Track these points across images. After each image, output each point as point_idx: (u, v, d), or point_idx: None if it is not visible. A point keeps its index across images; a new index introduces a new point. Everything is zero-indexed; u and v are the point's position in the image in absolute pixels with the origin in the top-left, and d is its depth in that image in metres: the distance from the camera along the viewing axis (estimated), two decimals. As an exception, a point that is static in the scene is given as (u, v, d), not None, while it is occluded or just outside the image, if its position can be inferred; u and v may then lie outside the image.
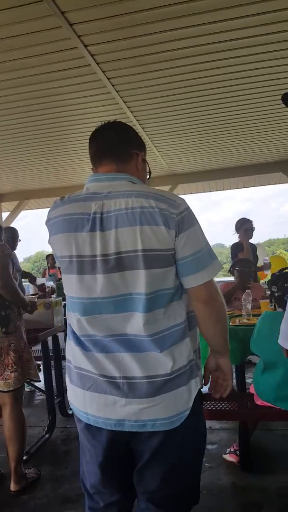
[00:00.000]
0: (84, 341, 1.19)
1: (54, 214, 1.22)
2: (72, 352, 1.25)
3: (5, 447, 2.41)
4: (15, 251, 4.08)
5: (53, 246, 1.24)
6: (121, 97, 3.34)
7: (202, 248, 1.14)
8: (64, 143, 4.55)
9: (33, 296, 3.17)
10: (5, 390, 2.24)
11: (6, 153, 4.79)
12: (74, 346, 1.23)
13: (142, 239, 1.09)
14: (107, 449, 1.20)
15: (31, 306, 2.55)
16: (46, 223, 1.26)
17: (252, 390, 2.27)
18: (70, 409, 3.20)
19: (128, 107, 3.57)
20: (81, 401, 1.20)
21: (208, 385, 1.34)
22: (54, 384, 3.11)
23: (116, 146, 1.25)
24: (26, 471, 2.36)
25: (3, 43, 2.43)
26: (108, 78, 2.98)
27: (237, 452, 2.35)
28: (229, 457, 2.37)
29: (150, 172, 1.35)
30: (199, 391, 1.21)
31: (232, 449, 2.39)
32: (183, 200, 1.15)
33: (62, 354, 3.33)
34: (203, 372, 1.31)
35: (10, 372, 2.25)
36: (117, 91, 3.22)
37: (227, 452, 2.41)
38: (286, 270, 2.31)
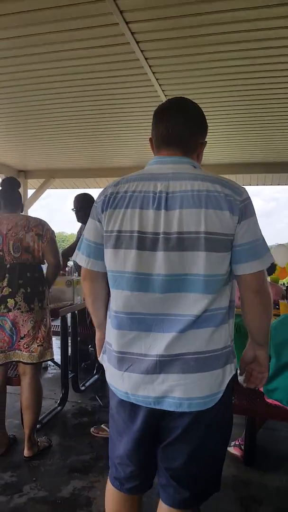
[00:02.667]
0: (127, 318, 1.21)
1: (118, 189, 1.23)
2: (111, 335, 1.28)
3: (20, 414, 2.52)
4: None
5: (107, 219, 1.22)
6: (157, 79, 3.30)
7: (259, 238, 1.17)
8: (95, 124, 4.54)
9: None
10: (28, 362, 2.32)
11: (36, 130, 4.81)
12: (113, 330, 1.26)
13: (206, 221, 1.12)
14: (142, 425, 1.25)
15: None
16: (102, 197, 1.26)
17: (261, 388, 2.29)
18: (83, 385, 3.38)
19: (162, 90, 3.54)
20: (120, 381, 1.25)
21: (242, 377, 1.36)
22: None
23: (185, 136, 1.26)
24: (38, 439, 2.47)
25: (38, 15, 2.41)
26: (146, 59, 2.91)
27: (242, 447, 2.38)
28: (233, 450, 2.41)
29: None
30: (233, 378, 1.24)
31: (237, 443, 2.43)
32: (245, 189, 1.19)
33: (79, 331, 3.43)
34: (239, 363, 1.34)
35: (37, 346, 2.33)
36: (153, 73, 3.18)
37: (231, 445, 2.45)
38: None
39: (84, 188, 8.32)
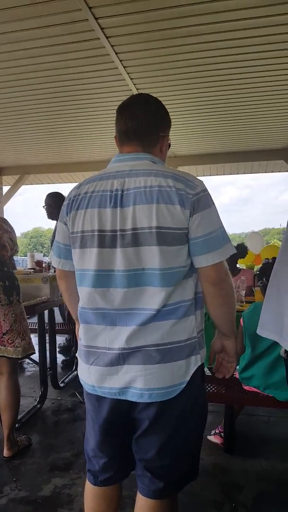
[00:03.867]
0: (92, 314, 1.25)
1: (79, 191, 1.27)
2: (80, 330, 1.32)
3: (-2, 415, 2.48)
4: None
5: (72, 221, 1.27)
6: (128, 73, 3.29)
7: (216, 230, 1.18)
8: (68, 119, 4.49)
9: (30, 270, 3.21)
10: (14, 357, 2.31)
11: (9, 126, 4.72)
12: (81, 324, 1.31)
13: (157, 216, 1.14)
14: (109, 415, 1.28)
15: None
16: (67, 200, 1.30)
17: (237, 375, 2.33)
18: (62, 382, 3.36)
19: (134, 84, 3.52)
20: (87, 375, 1.28)
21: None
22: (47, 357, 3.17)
23: (145, 129, 1.27)
24: (18, 438, 2.44)
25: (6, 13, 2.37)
26: (116, 53, 2.92)
27: (222, 434, 2.42)
28: (214, 439, 2.45)
29: (169, 145, 1.38)
30: (201, 368, 1.26)
31: (217, 431, 2.47)
32: (201, 182, 1.20)
33: (57, 328, 3.40)
34: (209, 353, 1.37)
35: (21, 340, 2.34)
36: (124, 67, 3.17)
37: (211, 433, 2.48)
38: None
39: (60, 183, 8.24)
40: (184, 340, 1.20)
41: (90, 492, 1.45)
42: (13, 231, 2.55)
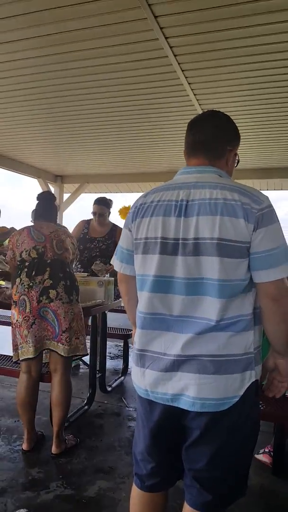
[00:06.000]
0: (150, 318, 1.29)
1: (146, 200, 1.33)
2: (136, 334, 1.36)
3: (48, 411, 2.59)
4: None
5: (136, 228, 1.33)
6: (192, 89, 3.35)
7: (278, 246, 1.18)
8: (133, 132, 4.63)
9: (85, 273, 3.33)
10: (64, 354, 2.39)
11: (74, 137, 4.95)
12: (138, 329, 1.35)
13: (220, 228, 1.17)
14: (159, 420, 1.30)
15: None
16: (133, 208, 1.37)
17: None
18: (109, 385, 3.42)
19: (197, 100, 3.58)
20: (141, 379, 1.32)
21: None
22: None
23: (212, 142, 1.33)
24: (66, 437, 2.52)
25: (79, 33, 2.52)
26: (182, 71, 2.99)
27: (271, 453, 2.35)
28: (263, 457, 2.38)
29: (238, 161, 1.42)
30: (256, 384, 1.26)
31: (267, 450, 2.39)
32: (266, 197, 1.21)
33: (109, 332, 3.48)
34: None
35: (75, 339, 2.43)
36: (189, 84, 3.23)
37: (260, 452, 2.41)
38: None
39: (116, 192, 8.46)
40: (241, 354, 1.20)
41: (137, 496, 1.48)
42: (74, 238, 2.69)
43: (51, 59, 2.90)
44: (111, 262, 1.54)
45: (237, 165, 1.41)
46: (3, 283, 3.27)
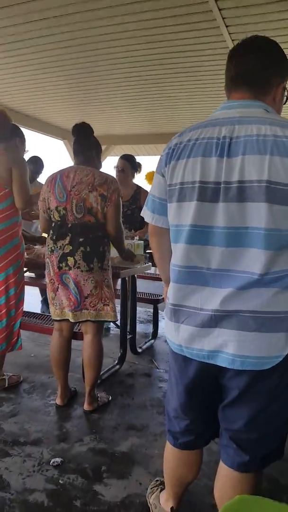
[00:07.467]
0: (185, 272, 1.20)
1: (182, 139, 1.19)
2: (170, 288, 1.28)
3: (81, 369, 2.61)
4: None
5: (171, 172, 1.20)
6: (229, 33, 3.09)
7: None
8: (160, 86, 4.40)
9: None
10: (94, 319, 2.35)
11: (98, 94, 4.78)
12: (172, 283, 1.26)
13: (270, 169, 1.03)
14: (195, 377, 1.25)
15: (127, 255, 2.68)
16: (166, 149, 1.24)
17: None
18: (140, 347, 3.43)
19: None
20: (175, 334, 1.24)
21: None
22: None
23: (256, 73, 1.16)
24: (98, 395, 2.55)
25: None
26: (219, 10, 2.73)
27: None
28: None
29: (287, 98, 1.25)
30: None
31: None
32: None
33: (138, 297, 3.45)
34: None
35: (103, 305, 2.35)
36: (226, 26, 2.97)
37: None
38: None
39: (144, 155, 8.24)
40: (285, 312, 1.11)
41: (170, 453, 1.47)
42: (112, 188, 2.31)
43: (75, 8, 2.72)
44: (141, 214, 1.41)
45: (286, 101, 1.25)
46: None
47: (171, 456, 1.47)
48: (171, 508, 1.55)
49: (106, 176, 2.29)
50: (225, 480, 1.31)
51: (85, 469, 1.94)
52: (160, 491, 1.66)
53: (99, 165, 2.47)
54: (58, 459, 1.99)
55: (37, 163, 4.25)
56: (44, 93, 4.81)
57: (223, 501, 1.30)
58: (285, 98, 1.24)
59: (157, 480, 1.78)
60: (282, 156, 1.02)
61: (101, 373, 2.84)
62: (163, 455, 1.54)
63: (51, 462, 1.96)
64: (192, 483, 1.56)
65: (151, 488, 1.74)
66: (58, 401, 2.51)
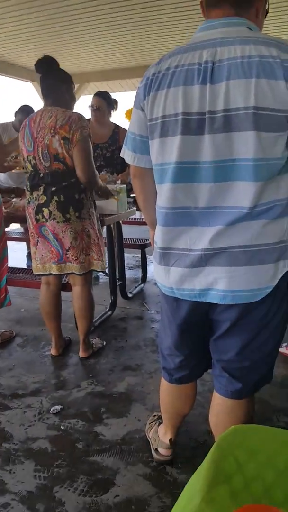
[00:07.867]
0: (172, 214, 1.14)
1: (160, 68, 1.08)
2: (157, 231, 1.24)
3: (73, 319, 2.64)
4: None
5: (150, 105, 1.10)
6: None
7: None
8: (134, 13, 4.00)
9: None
10: (79, 273, 2.32)
11: (67, 26, 4.35)
12: (159, 226, 1.22)
13: (256, 94, 0.94)
14: (187, 316, 1.26)
15: (104, 192, 2.49)
16: (144, 80, 1.13)
17: None
18: (130, 292, 3.47)
19: None
20: (166, 278, 1.22)
21: None
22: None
23: None
24: (92, 341, 2.60)
25: None
26: None
27: (294, 346, 2.38)
28: (285, 350, 2.42)
29: (267, 11, 1.13)
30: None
31: (290, 343, 2.43)
32: None
33: (125, 243, 3.41)
34: None
35: (85, 256, 2.30)
36: None
37: (283, 345, 2.44)
38: None
39: (120, 91, 7.79)
40: (274, 243, 1.09)
41: (166, 389, 1.53)
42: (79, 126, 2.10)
43: None
44: (121, 155, 1.32)
45: (266, 16, 1.13)
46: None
47: (167, 392, 1.53)
48: (170, 439, 1.63)
49: (70, 115, 2.07)
50: (220, 408, 1.37)
51: (85, 413, 2.01)
52: (158, 425, 1.74)
53: (71, 101, 2.27)
54: (58, 407, 2.05)
55: (28, 113, 3.96)
56: (7, 31, 4.38)
57: (218, 428, 1.38)
58: (265, 11, 1.12)
59: (154, 415, 1.86)
60: (268, 78, 0.93)
61: (94, 320, 2.88)
62: (158, 391, 1.60)
63: (51, 410, 2.03)
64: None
65: (150, 423, 1.83)
66: (53, 351, 2.55)
